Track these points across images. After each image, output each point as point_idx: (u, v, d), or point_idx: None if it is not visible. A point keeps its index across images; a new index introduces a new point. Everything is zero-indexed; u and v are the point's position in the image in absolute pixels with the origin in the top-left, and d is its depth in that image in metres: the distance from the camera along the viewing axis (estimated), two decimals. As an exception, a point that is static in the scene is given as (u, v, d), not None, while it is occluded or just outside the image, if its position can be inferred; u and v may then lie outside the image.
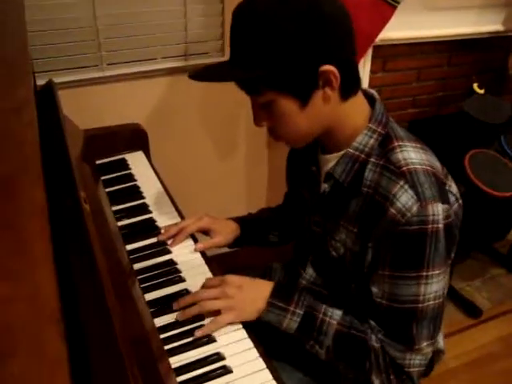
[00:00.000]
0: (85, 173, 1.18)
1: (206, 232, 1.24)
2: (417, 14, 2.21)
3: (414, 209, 0.87)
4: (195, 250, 1.17)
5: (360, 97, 0.98)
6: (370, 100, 1.00)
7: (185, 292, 1.05)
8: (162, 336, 0.95)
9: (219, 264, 1.16)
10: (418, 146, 0.96)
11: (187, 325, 0.98)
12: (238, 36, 0.89)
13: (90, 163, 1.31)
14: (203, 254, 1.18)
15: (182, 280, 1.09)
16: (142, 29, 1.84)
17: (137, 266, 1.11)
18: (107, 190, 1.35)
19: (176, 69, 1.95)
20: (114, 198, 1.32)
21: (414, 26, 2.23)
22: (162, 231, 1.22)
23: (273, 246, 1.37)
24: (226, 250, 1.33)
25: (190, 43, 1.95)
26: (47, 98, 1.17)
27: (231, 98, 2.04)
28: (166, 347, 0.93)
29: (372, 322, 0.99)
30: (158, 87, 1.97)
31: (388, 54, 2.27)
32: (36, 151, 0.63)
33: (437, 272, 0.92)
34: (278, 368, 1.02)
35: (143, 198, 1.35)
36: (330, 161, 1.01)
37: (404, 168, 0.91)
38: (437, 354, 1.12)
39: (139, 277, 1.08)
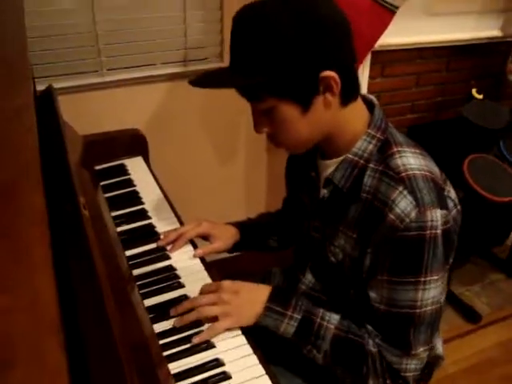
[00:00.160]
0: (84, 178, 1.18)
1: (205, 237, 1.24)
2: (415, 20, 2.22)
3: (413, 214, 0.87)
4: (194, 256, 1.17)
5: (359, 102, 0.98)
6: (369, 105, 1.01)
7: (184, 298, 1.05)
8: (161, 342, 0.95)
9: (219, 269, 1.16)
10: (417, 151, 0.96)
11: (186, 331, 0.97)
12: (238, 42, 0.89)
13: (89, 169, 1.31)
14: (202, 259, 1.18)
15: (181, 286, 1.09)
16: (141, 34, 1.85)
17: (136, 272, 1.11)
18: (106, 195, 1.35)
19: (175, 74, 1.96)
20: (114, 203, 1.32)
21: (413, 31, 2.24)
22: (162, 237, 1.22)
23: (272, 251, 1.37)
24: (226, 255, 1.33)
25: (189, 49, 1.95)
26: (47, 103, 1.17)
27: (231, 103, 2.04)
28: (165, 353, 0.93)
29: (369, 327, 0.99)
30: (157, 93, 1.98)
31: (387, 60, 2.28)
32: (35, 157, 0.63)
33: (435, 277, 0.92)
34: (278, 373, 1.02)
35: (142, 203, 1.34)
36: (330, 166, 1.01)
37: (403, 174, 0.91)
38: (436, 360, 1.12)
39: (138, 282, 1.08)
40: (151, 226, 1.26)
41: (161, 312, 1.01)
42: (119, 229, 1.24)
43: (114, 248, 1.09)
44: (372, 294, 0.97)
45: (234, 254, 1.32)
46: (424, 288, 0.92)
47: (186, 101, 2.01)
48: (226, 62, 2.01)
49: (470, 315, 2.24)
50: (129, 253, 1.16)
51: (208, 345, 0.95)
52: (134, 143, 1.55)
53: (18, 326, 0.38)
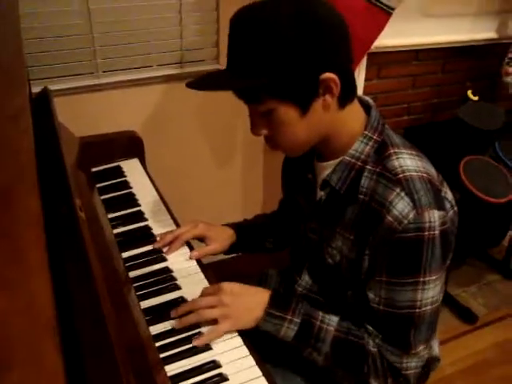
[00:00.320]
0: (80, 180, 1.18)
1: (201, 239, 1.24)
2: (411, 21, 2.23)
3: (411, 216, 0.88)
4: (190, 258, 1.17)
5: (356, 104, 0.98)
6: (366, 107, 1.01)
7: (180, 300, 1.05)
8: (157, 344, 0.94)
9: (215, 271, 1.16)
10: (414, 153, 0.96)
11: (183, 333, 0.97)
12: (237, 44, 0.89)
13: (85, 171, 1.31)
14: (199, 261, 1.18)
15: (178, 288, 1.09)
16: (137, 36, 1.85)
17: (132, 274, 1.11)
18: (102, 197, 1.35)
19: (171, 76, 1.96)
20: (110, 205, 1.32)
21: (409, 33, 2.24)
22: (158, 239, 1.22)
23: (268, 252, 1.37)
24: (222, 257, 1.33)
25: (185, 50, 1.95)
26: (42, 105, 1.17)
27: (227, 105, 2.04)
28: (162, 355, 0.92)
29: (369, 327, 1.00)
30: (153, 94, 1.98)
31: (383, 61, 2.28)
32: (31, 159, 0.62)
33: (433, 278, 0.92)
34: (278, 374, 1.02)
35: (139, 205, 1.34)
36: (327, 168, 1.01)
37: (400, 175, 0.91)
38: (432, 361, 1.12)
39: (135, 284, 1.08)
40: (147, 228, 1.26)
41: (157, 314, 1.01)
42: (115, 231, 1.24)
43: (110, 250, 1.09)
44: (371, 295, 0.97)
45: (231, 255, 1.32)
46: (423, 288, 0.92)
47: (183, 103, 2.01)
48: (222, 64, 2.02)
49: (467, 316, 2.25)
50: (125, 255, 1.16)
51: (204, 346, 0.95)
52: (131, 145, 1.54)
53: (14, 329, 0.38)
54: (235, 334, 0.98)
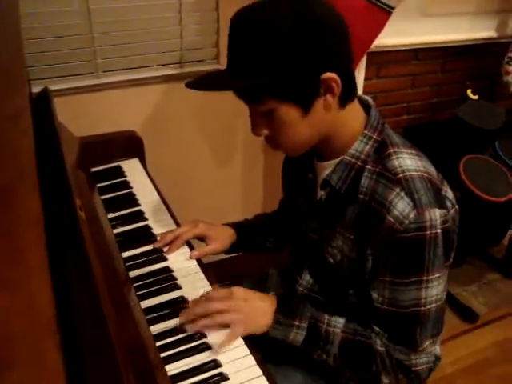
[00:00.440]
0: (80, 180, 1.18)
1: (201, 239, 1.24)
2: (411, 21, 2.22)
3: (412, 216, 0.88)
4: (190, 258, 1.17)
5: (356, 104, 0.98)
6: (366, 107, 1.01)
7: (180, 299, 1.05)
8: (158, 343, 0.94)
9: (215, 271, 1.16)
10: (414, 152, 0.97)
11: (183, 332, 0.97)
12: (237, 44, 0.89)
13: (85, 170, 1.30)
14: (199, 260, 1.18)
15: (178, 287, 1.09)
16: (137, 36, 1.85)
17: (132, 274, 1.11)
18: (103, 197, 1.35)
19: (171, 76, 1.96)
20: (110, 205, 1.32)
21: (408, 32, 2.24)
22: (158, 238, 1.22)
23: (268, 252, 1.37)
24: (222, 256, 1.33)
25: (185, 50, 1.95)
26: (43, 105, 1.17)
27: (227, 105, 2.04)
28: (162, 355, 0.92)
29: (375, 327, 1.00)
30: (153, 94, 1.98)
31: (382, 61, 2.28)
32: (31, 159, 0.63)
33: (436, 276, 0.93)
34: (278, 372, 1.02)
35: (139, 205, 1.34)
36: (327, 168, 1.01)
37: (400, 175, 0.91)
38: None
39: (135, 284, 1.08)
40: (148, 228, 1.26)
41: (157, 313, 1.01)
42: (116, 231, 1.24)
43: (110, 250, 1.09)
44: (374, 295, 0.97)
45: (231, 254, 1.32)
46: (427, 286, 0.92)
47: (182, 102, 2.01)
48: (222, 64, 2.02)
49: (467, 315, 2.25)
50: (125, 254, 1.16)
51: (205, 346, 0.95)
52: (131, 145, 1.54)
53: (14, 328, 0.38)
54: (235, 333, 0.98)
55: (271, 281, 1.33)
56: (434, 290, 0.93)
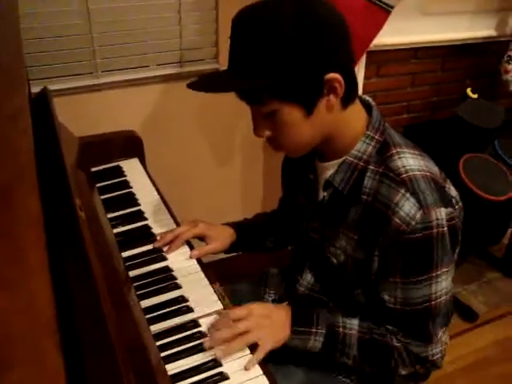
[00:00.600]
0: (80, 180, 1.18)
1: (201, 238, 1.24)
2: (410, 20, 2.22)
3: (418, 216, 0.88)
4: (190, 257, 1.17)
5: (358, 104, 0.98)
6: (367, 107, 1.00)
7: (181, 299, 1.05)
8: (158, 343, 0.94)
9: (215, 270, 1.16)
10: (416, 152, 0.97)
11: (183, 332, 0.98)
12: (239, 45, 0.88)
13: (85, 170, 1.30)
14: (199, 260, 1.18)
15: (178, 287, 1.09)
16: (136, 36, 1.85)
17: (132, 273, 1.11)
18: (102, 197, 1.35)
19: (171, 76, 1.96)
20: (110, 205, 1.32)
21: (408, 31, 2.24)
22: (158, 238, 1.22)
23: (268, 251, 1.37)
24: (222, 256, 1.33)
25: (184, 50, 1.95)
26: (42, 105, 1.17)
27: (227, 104, 2.03)
28: (162, 354, 0.93)
29: (389, 327, 1.01)
30: (152, 94, 1.97)
31: (382, 60, 2.28)
32: (31, 159, 0.63)
33: (445, 270, 0.94)
34: (278, 371, 1.02)
35: (138, 205, 1.34)
36: (328, 168, 1.01)
37: (404, 175, 0.91)
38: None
39: (135, 284, 1.08)
40: (147, 228, 1.26)
41: (158, 313, 1.01)
42: (115, 230, 1.24)
43: (110, 249, 1.09)
44: (386, 297, 0.98)
45: (231, 254, 1.32)
46: (436, 281, 0.94)
47: (182, 102, 2.01)
48: (221, 63, 2.02)
49: (467, 314, 2.25)
50: (125, 254, 1.16)
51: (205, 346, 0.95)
52: (130, 145, 1.54)
53: (14, 328, 0.38)
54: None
55: (271, 280, 1.33)
56: (444, 283, 0.95)
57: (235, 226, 1.29)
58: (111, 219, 1.27)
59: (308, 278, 1.15)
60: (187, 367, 0.91)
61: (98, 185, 1.40)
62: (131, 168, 1.50)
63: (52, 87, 1.42)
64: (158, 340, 0.95)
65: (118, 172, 1.47)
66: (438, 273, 0.93)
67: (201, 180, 2.23)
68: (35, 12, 1.66)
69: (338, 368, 1.09)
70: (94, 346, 0.57)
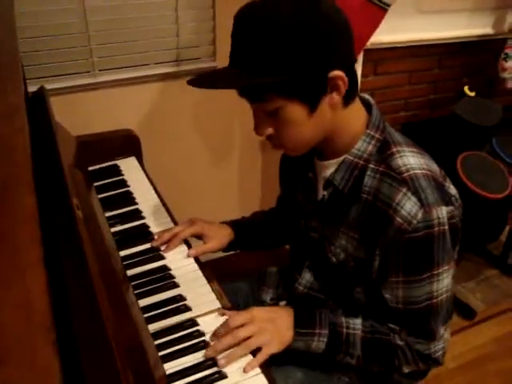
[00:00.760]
0: (77, 179, 1.17)
1: (199, 237, 1.24)
2: (407, 18, 2.22)
3: (419, 215, 0.88)
4: (188, 256, 1.17)
5: (358, 103, 0.98)
6: (367, 105, 1.00)
7: (179, 298, 1.05)
8: (156, 342, 0.94)
9: (213, 269, 1.16)
10: (415, 150, 0.96)
11: (181, 331, 0.98)
12: (243, 42, 0.87)
13: (82, 169, 1.30)
14: (197, 259, 1.18)
15: (176, 286, 1.09)
16: (133, 34, 1.85)
17: (130, 272, 1.11)
18: (100, 196, 1.35)
19: (168, 74, 1.95)
20: (107, 204, 1.32)
21: (405, 29, 2.24)
22: (156, 237, 1.21)
23: (266, 249, 1.37)
24: (220, 254, 1.33)
25: (181, 49, 1.95)
26: (39, 104, 1.17)
27: (224, 103, 2.04)
28: (161, 353, 0.92)
29: (391, 325, 1.01)
30: (150, 93, 1.97)
31: (379, 58, 2.28)
32: (27, 158, 0.62)
33: (446, 268, 0.94)
34: (278, 371, 1.02)
35: (136, 203, 1.34)
36: (328, 167, 1.01)
37: (405, 174, 0.91)
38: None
39: (133, 283, 1.08)
40: (145, 226, 1.26)
41: (156, 312, 1.01)
42: (113, 229, 1.24)
43: (107, 248, 1.08)
44: (388, 296, 0.98)
45: (229, 252, 1.32)
46: (438, 279, 0.94)
47: (179, 101, 2.01)
48: (218, 61, 2.01)
49: (465, 312, 2.25)
50: (123, 253, 1.16)
51: (204, 344, 0.95)
52: (127, 143, 1.54)
53: (8, 324, 0.38)
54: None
55: (270, 279, 1.32)
56: (445, 281, 0.95)
57: (233, 224, 1.29)
58: (109, 218, 1.27)
59: (307, 276, 1.14)
60: (185, 366, 0.91)
61: (96, 184, 1.40)
62: (128, 167, 1.50)
63: (49, 86, 1.42)
64: (156, 339, 0.95)
65: (116, 171, 1.47)
66: (440, 271, 0.93)
67: (198, 178, 2.23)
68: (31, 11, 1.65)
69: (336, 366, 1.09)
70: (91, 344, 0.57)
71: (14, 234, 0.48)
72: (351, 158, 0.97)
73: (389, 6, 1.81)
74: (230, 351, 0.93)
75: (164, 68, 1.95)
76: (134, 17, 1.82)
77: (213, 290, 1.08)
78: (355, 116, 0.98)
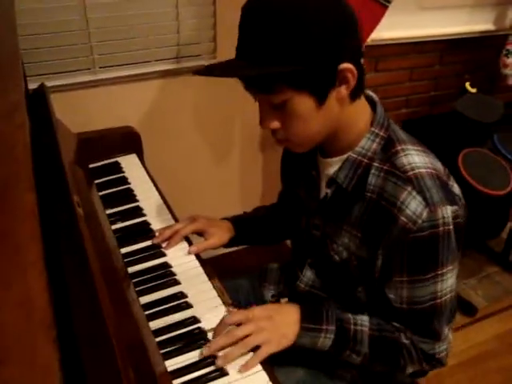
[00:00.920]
0: (78, 176, 1.17)
1: (200, 233, 1.24)
2: (408, 14, 2.22)
3: (424, 215, 0.87)
4: (189, 253, 1.17)
5: (363, 99, 0.97)
6: (371, 103, 0.99)
7: (180, 295, 1.05)
8: (157, 339, 0.94)
9: (214, 266, 1.16)
10: (420, 148, 0.96)
11: (182, 328, 0.97)
12: (254, 33, 0.85)
13: (83, 167, 1.30)
14: (198, 256, 1.18)
15: (177, 283, 1.09)
16: (134, 31, 1.84)
17: (131, 269, 1.11)
18: (101, 193, 1.35)
19: (168, 71, 1.95)
20: (108, 201, 1.32)
21: (406, 25, 2.24)
22: (157, 234, 1.21)
23: (266, 245, 1.37)
24: (221, 251, 1.33)
25: (182, 45, 1.94)
26: (39, 101, 1.17)
27: (225, 99, 2.04)
28: (162, 351, 0.92)
29: (396, 324, 1.01)
30: (150, 90, 1.97)
31: (380, 54, 2.28)
32: (27, 155, 0.62)
33: (450, 268, 0.94)
34: (279, 369, 1.02)
35: (137, 200, 1.34)
36: (332, 165, 1.00)
37: (410, 173, 0.90)
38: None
39: (134, 280, 1.08)
40: (146, 224, 1.26)
41: (157, 309, 1.01)
42: (114, 226, 1.24)
43: (108, 246, 1.08)
44: (392, 296, 0.97)
45: (230, 249, 1.32)
46: (442, 279, 0.93)
47: (180, 98, 2.01)
48: (219, 58, 2.01)
49: (467, 308, 2.25)
50: (124, 250, 1.16)
51: (204, 342, 0.95)
52: (128, 141, 1.54)
53: (9, 323, 0.38)
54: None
55: (271, 276, 1.32)
56: (449, 281, 0.95)
57: (234, 220, 1.28)
58: (110, 215, 1.27)
59: (309, 274, 1.14)
60: (187, 363, 0.91)
61: (97, 181, 1.40)
62: (129, 164, 1.50)
63: (49, 83, 1.42)
64: (157, 336, 0.95)
65: (116, 168, 1.47)
66: (444, 271, 0.93)
67: (199, 175, 2.23)
68: (31, 8, 1.65)
69: (338, 364, 1.08)
70: (91, 339, 0.57)
71: (15, 232, 0.48)
72: (355, 155, 0.96)
73: (389, 2, 1.81)
74: (228, 350, 0.92)
75: (164, 65, 1.95)
76: (135, 14, 1.82)
77: (214, 287, 1.08)
78: (360, 113, 0.97)
